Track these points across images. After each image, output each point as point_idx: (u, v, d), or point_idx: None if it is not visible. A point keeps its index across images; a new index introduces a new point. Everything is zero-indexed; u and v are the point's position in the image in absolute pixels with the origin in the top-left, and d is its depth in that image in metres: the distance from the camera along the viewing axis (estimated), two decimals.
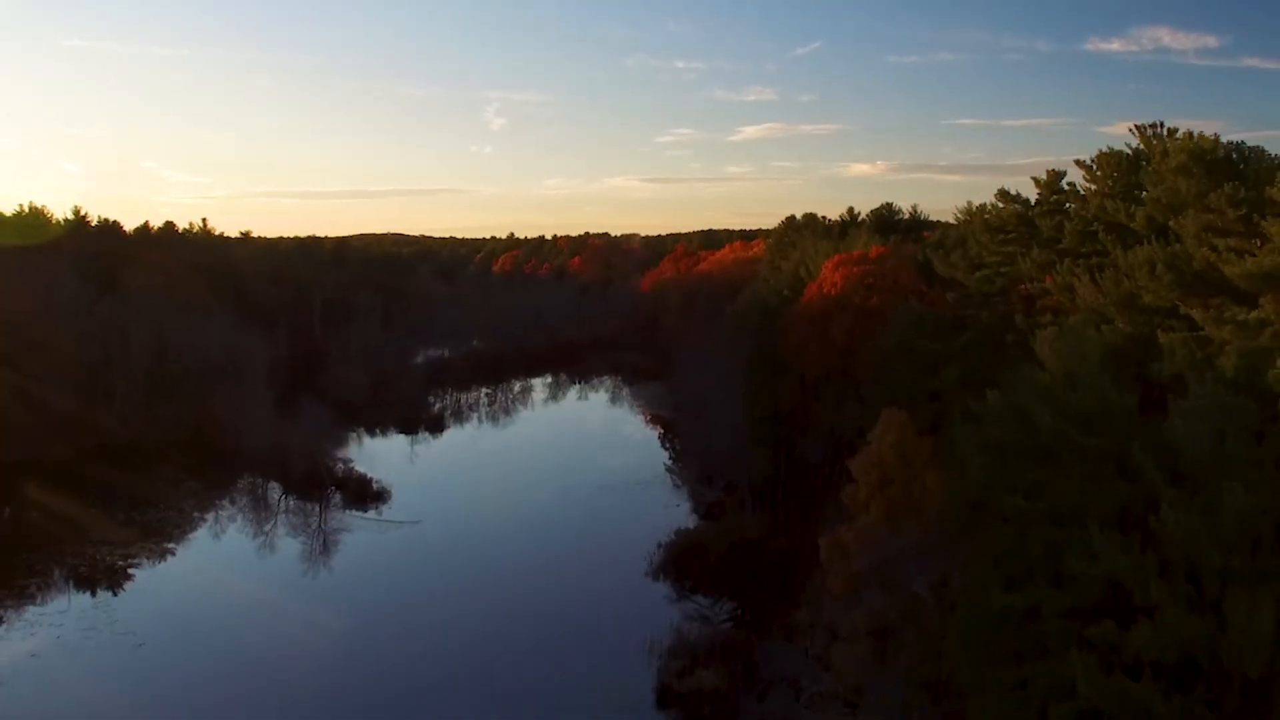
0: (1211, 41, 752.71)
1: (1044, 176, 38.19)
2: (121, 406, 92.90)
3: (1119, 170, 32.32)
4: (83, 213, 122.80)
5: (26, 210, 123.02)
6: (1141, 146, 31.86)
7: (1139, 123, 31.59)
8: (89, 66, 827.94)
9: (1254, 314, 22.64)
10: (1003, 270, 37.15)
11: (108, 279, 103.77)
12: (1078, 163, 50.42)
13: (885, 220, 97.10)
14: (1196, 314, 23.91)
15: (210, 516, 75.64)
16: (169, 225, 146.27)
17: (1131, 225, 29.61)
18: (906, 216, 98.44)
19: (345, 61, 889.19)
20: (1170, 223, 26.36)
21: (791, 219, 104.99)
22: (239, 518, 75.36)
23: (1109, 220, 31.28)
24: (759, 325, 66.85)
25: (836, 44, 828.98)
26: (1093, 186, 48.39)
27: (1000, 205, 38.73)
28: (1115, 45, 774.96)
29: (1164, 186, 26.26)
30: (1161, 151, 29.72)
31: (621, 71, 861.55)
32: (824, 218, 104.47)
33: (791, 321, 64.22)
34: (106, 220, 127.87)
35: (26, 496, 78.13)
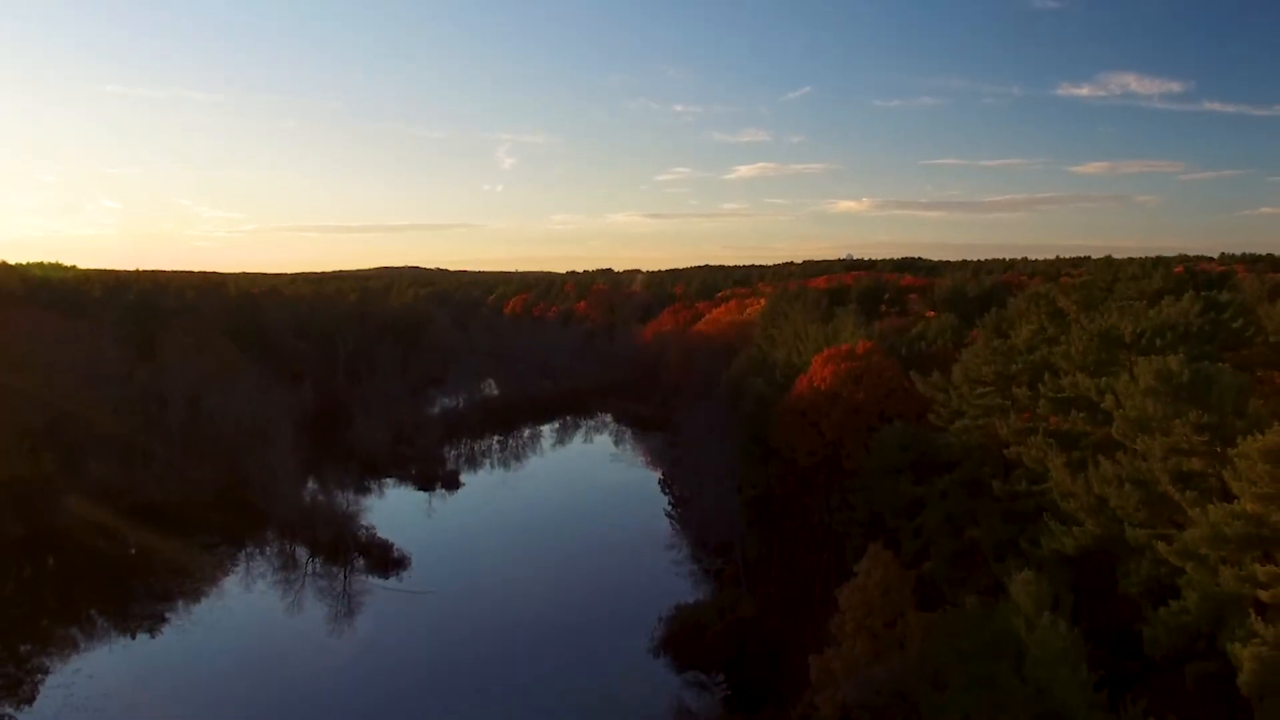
0: (1175, 87, 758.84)
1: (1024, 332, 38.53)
2: (159, 469, 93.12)
3: (1092, 345, 32.56)
4: (120, 278, 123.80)
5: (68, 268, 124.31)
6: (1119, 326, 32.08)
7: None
8: (127, 110, 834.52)
9: (1216, 553, 22.71)
10: (980, 422, 37.38)
11: (146, 345, 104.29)
12: (1056, 286, 50.83)
13: (872, 293, 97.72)
14: (1160, 548, 24.07)
15: (243, 586, 75.45)
16: (204, 280, 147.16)
17: (1102, 405, 29.87)
18: (889, 296, 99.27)
19: (366, 105, 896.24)
20: (1138, 443, 26.51)
21: (783, 291, 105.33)
22: (270, 586, 75.12)
23: (1080, 395, 31.61)
24: (752, 413, 66.85)
25: (825, 89, 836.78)
26: (1068, 310, 48.82)
27: (979, 357, 38.76)
28: (1085, 90, 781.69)
29: (1132, 405, 26.46)
30: (1134, 333, 30.06)
31: (624, 114, 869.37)
32: (812, 285, 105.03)
33: (782, 412, 64.37)
34: (143, 275, 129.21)
35: (72, 564, 78.66)
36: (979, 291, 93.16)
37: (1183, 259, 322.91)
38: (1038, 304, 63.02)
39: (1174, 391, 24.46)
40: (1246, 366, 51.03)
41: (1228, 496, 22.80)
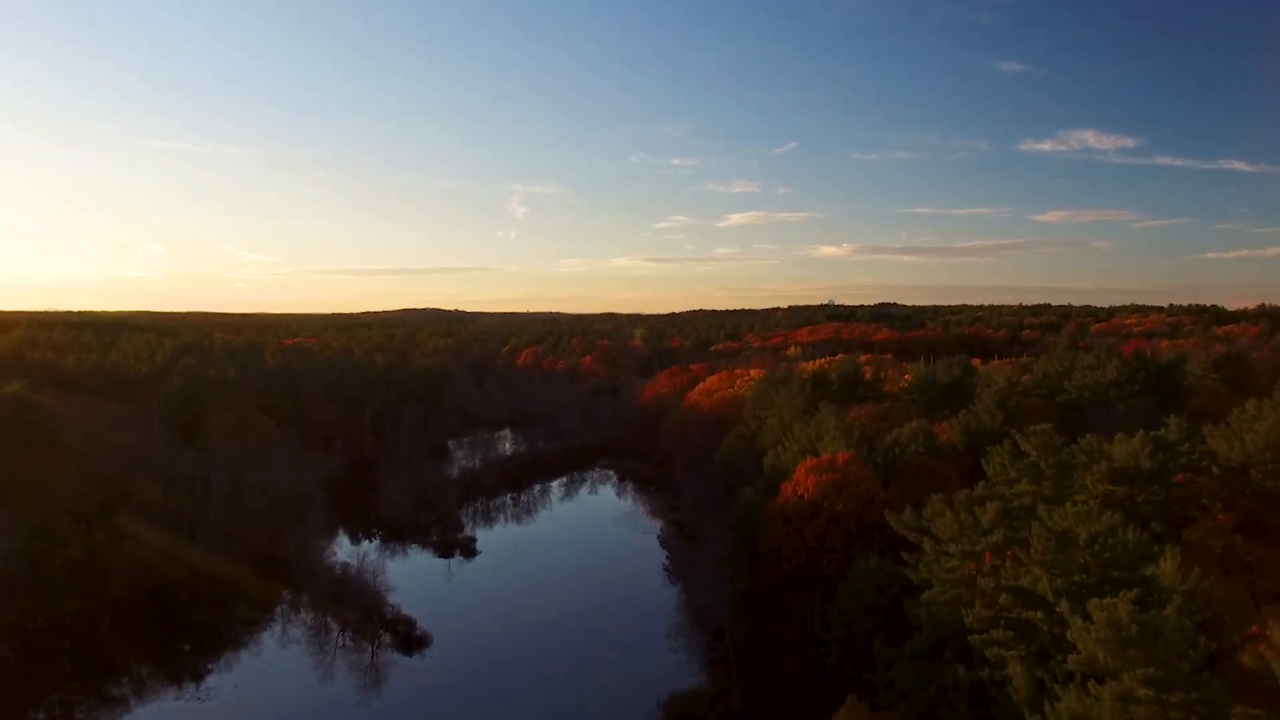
0: (1129, 142, 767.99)
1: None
2: (202, 544, 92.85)
3: (1050, 546, 32.54)
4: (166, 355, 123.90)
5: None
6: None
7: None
8: (173, 164, 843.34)
9: None
10: (947, 595, 37.29)
11: (190, 426, 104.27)
12: (1019, 432, 50.77)
13: (850, 378, 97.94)
14: None
15: (279, 659, 75.01)
16: (245, 327, 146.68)
17: (1058, 609, 29.92)
18: (868, 378, 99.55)
19: (392, 158, 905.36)
20: (1090, 686, 26.45)
21: (770, 374, 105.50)
22: (303, 659, 74.75)
23: (1039, 594, 31.65)
24: (741, 516, 66.74)
25: (809, 144, 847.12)
26: (1030, 452, 48.64)
27: (947, 530, 38.72)
28: (1047, 145, 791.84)
29: (1084, 652, 26.42)
30: (1089, 536, 30.00)
31: (626, 167, 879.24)
32: (799, 364, 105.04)
33: (769, 517, 64.34)
34: (188, 319, 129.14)
35: (123, 637, 78.42)
36: (949, 379, 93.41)
37: (1135, 309, 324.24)
38: (1002, 432, 63.29)
39: (1122, 641, 24.45)
40: (1194, 499, 51.08)
41: None
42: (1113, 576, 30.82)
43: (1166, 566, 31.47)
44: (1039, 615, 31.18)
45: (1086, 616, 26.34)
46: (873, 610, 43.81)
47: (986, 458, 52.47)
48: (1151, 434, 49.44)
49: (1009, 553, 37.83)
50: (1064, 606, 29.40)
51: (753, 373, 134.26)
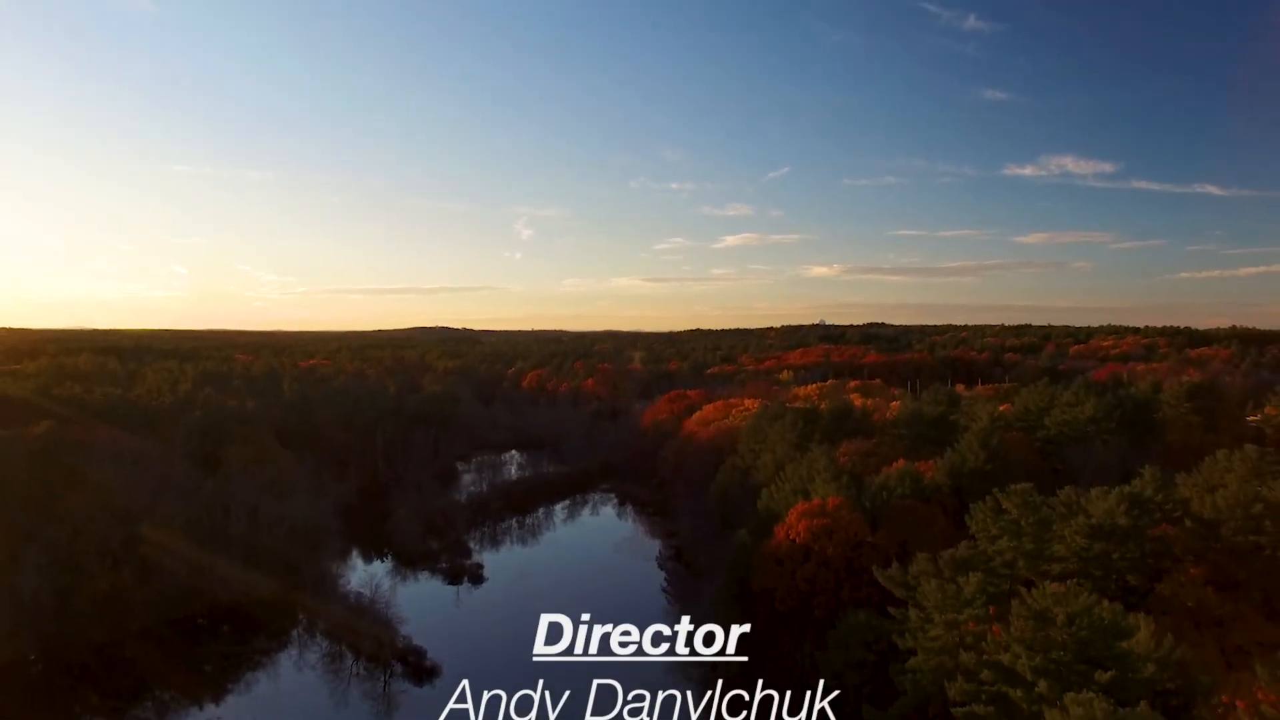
0: (1107, 167, 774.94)
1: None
2: (222, 574, 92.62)
3: (1028, 626, 32.82)
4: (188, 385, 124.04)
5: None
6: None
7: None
8: (194, 188, 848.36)
9: None
10: (932, 663, 37.53)
11: (211, 458, 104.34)
12: (1001, 491, 50.94)
13: (841, 414, 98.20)
14: None
15: (296, 687, 75.00)
16: (262, 350, 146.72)
17: (1037, 689, 30.20)
18: (857, 406, 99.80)
19: (403, 182, 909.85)
20: None
21: (764, 409, 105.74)
22: (319, 687, 74.82)
23: (1017, 671, 31.91)
24: (736, 558, 66.94)
25: (802, 169, 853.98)
26: (1010, 510, 48.73)
27: (930, 599, 38.97)
28: (1029, 170, 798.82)
29: None
30: (1066, 616, 30.28)
31: (627, 191, 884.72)
32: (790, 405, 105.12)
33: (762, 559, 64.53)
34: (208, 337, 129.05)
35: (147, 667, 78.29)
36: (935, 413, 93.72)
37: (1112, 330, 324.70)
38: (985, 470, 63.58)
39: None
40: (1167, 551, 51.27)
41: None
42: (1090, 654, 31.10)
43: (1140, 636, 31.74)
44: (1019, 694, 31.46)
45: (1064, 708, 26.59)
46: (861, 665, 43.99)
47: (970, 500, 52.93)
48: (1127, 490, 49.70)
49: (991, 611, 38.13)
50: (1043, 686, 29.68)
51: (747, 403, 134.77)
